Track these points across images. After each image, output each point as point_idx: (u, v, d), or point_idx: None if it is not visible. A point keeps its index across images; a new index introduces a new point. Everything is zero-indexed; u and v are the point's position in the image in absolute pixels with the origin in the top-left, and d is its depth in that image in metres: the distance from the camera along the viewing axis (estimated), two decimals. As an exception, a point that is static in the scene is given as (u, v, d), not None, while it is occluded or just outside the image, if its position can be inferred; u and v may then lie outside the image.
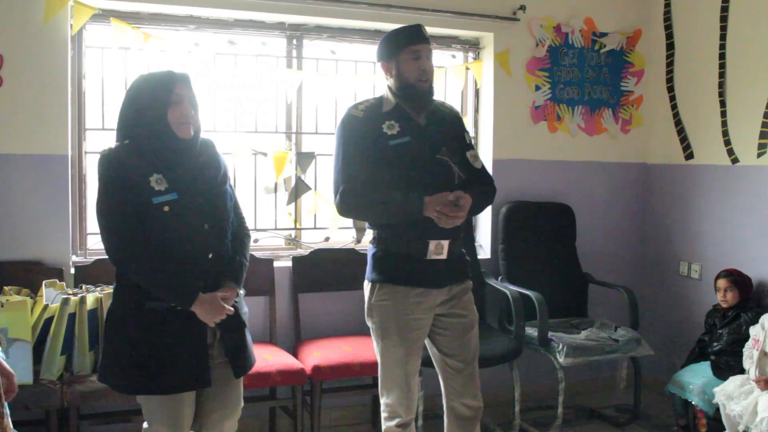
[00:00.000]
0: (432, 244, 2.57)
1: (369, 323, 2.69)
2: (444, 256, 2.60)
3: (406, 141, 2.57)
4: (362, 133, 2.57)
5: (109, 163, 2.22)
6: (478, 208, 2.66)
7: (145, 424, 2.37)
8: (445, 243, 2.59)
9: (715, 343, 3.61)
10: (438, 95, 4.17)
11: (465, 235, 2.93)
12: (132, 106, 2.25)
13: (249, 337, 2.46)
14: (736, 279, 3.63)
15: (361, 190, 2.54)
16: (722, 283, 3.63)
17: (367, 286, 2.70)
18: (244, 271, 2.40)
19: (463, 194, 2.49)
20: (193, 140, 2.28)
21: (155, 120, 2.21)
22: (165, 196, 2.19)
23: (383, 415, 2.71)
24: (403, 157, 2.55)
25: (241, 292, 2.39)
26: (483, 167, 2.74)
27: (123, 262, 2.21)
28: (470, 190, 2.56)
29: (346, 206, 2.58)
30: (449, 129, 2.70)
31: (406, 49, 2.58)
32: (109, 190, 2.20)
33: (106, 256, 3.39)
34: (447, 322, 2.69)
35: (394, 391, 2.65)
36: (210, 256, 2.28)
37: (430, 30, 4.02)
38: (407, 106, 2.62)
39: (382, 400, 2.71)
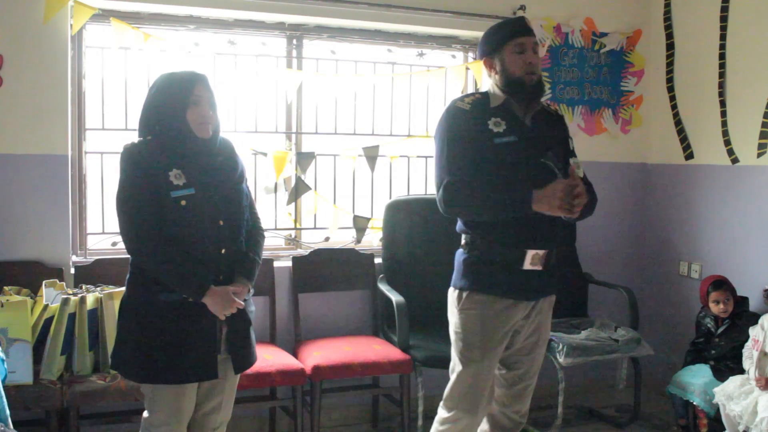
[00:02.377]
0: (530, 254, 2.43)
1: (451, 332, 2.55)
2: (540, 267, 2.46)
3: (512, 141, 2.42)
4: (468, 126, 2.43)
5: (131, 156, 2.29)
6: (582, 215, 2.47)
7: (145, 413, 2.41)
8: (543, 253, 2.45)
9: (713, 351, 3.60)
10: (439, 95, 4.18)
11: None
12: (153, 104, 2.33)
13: (253, 336, 2.51)
14: (729, 286, 3.60)
15: (467, 181, 2.39)
16: (720, 295, 3.57)
17: (453, 293, 2.54)
18: (257, 268, 2.46)
19: (579, 182, 2.32)
20: (211, 140, 2.35)
21: (175, 119, 2.28)
22: (183, 191, 2.26)
23: (440, 428, 2.56)
24: (507, 156, 2.41)
25: (251, 290, 2.44)
26: (585, 176, 2.58)
27: (139, 251, 2.29)
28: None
29: (451, 198, 2.39)
30: (555, 133, 2.56)
31: (509, 42, 2.44)
32: (130, 183, 2.28)
33: (108, 256, 3.48)
34: (521, 336, 2.54)
35: (464, 406, 2.50)
36: (223, 251, 2.34)
37: (429, 30, 4.10)
38: (515, 104, 2.47)
39: (444, 414, 2.56)
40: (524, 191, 2.33)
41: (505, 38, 2.45)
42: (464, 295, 2.48)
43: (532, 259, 2.43)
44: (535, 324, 2.55)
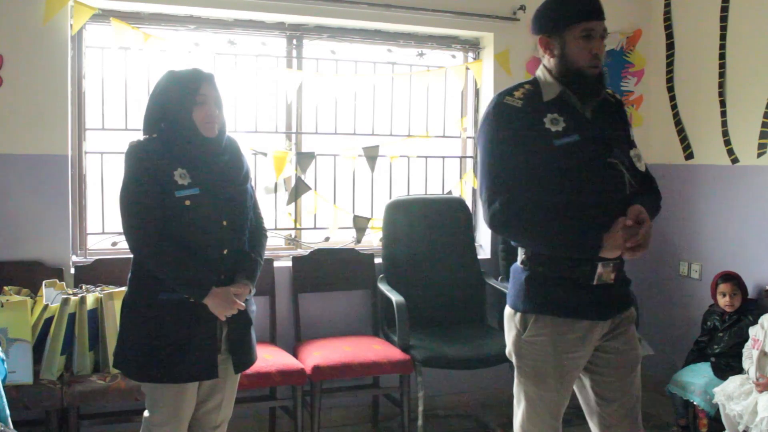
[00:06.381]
0: (601, 267, 2.11)
1: (514, 360, 2.23)
2: (611, 281, 2.16)
3: (575, 140, 2.07)
4: (523, 127, 2.08)
5: (136, 154, 2.28)
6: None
7: (146, 413, 2.41)
8: (612, 264, 2.14)
9: (715, 346, 3.60)
10: (439, 95, 4.15)
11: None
12: (158, 103, 2.31)
13: (253, 336, 2.51)
14: (739, 282, 3.61)
15: (523, 206, 2.07)
16: (727, 288, 3.58)
17: (514, 316, 2.20)
18: (259, 269, 2.45)
19: (640, 210, 2.06)
20: (217, 139, 2.34)
21: (180, 118, 2.27)
22: (187, 191, 2.25)
23: None
24: (570, 160, 2.07)
25: (252, 290, 2.43)
26: (647, 169, 2.26)
27: (141, 250, 2.28)
28: (641, 201, 2.13)
29: (501, 223, 2.09)
30: (617, 124, 2.22)
31: (576, 25, 2.07)
32: (134, 181, 2.26)
33: (108, 256, 3.48)
34: (606, 359, 2.20)
35: None
36: (225, 251, 2.33)
37: (429, 30, 4.11)
38: (573, 95, 2.13)
39: None
40: (595, 237, 2.03)
41: (572, 18, 2.08)
42: (530, 318, 2.16)
43: (604, 273, 2.13)
44: (619, 342, 2.22)
